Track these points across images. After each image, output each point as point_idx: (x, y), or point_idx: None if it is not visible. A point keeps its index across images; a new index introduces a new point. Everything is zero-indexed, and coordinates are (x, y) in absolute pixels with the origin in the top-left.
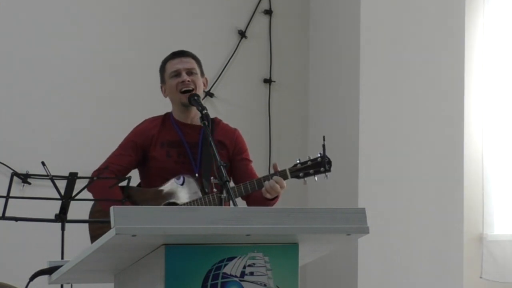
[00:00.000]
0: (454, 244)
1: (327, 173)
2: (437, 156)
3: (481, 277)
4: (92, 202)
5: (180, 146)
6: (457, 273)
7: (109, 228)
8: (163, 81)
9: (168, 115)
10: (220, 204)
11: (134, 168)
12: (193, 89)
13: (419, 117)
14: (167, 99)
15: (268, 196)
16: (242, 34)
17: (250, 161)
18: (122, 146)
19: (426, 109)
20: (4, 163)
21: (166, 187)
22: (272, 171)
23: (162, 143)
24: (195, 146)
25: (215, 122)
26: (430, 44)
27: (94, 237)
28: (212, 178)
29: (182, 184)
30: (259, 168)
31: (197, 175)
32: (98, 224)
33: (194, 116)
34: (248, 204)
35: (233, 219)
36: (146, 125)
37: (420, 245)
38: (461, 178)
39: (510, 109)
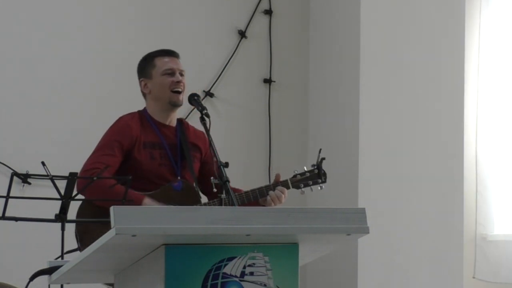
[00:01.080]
0: (453, 245)
1: (322, 184)
2: (437, 156)
3: (474, 277)
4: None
5: (161, 148)
6: (456, 273)
7: (96, 229)
8: (147, 76)
9: (143, 113)
10: (220, 204)
11: (117, 168)
12: (181, 91)
13: (419, 117)
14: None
15: (273, 205)
16: (242, 34)
17: None
18: (107, 146)
19: (426, 109)
20: (4, 163)
21: (164, 190)
22: (272, 181)
23: (144, 144)
24: (174, 148)
25: (184, 124)
26: (430, 44)
27: (81, 240)
28: (212, 178)
29: (180, 190)
30: (259, 168)
31: (179, 177)
32: (84, 226)
33: (173, 118)
34: None
35: (233, 219)
36: (127, 123)
37: (420, 245)
38: (461, 178)
39: (508, 109)
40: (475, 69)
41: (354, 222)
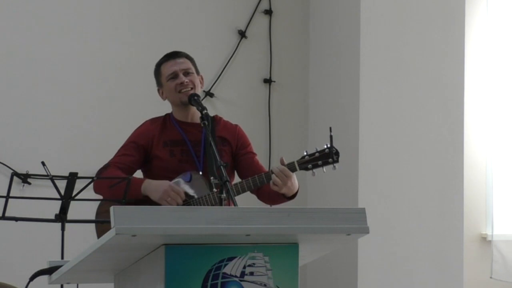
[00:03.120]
0: (454, 244)
1: (335, 164)
2: (437, 156)
3: (491, 277)
4: (98, 202)
5: (183, 144)
6: (457, 273)
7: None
8: (160, 84)
9: (168, 116)
10: (220, 204)
11: (138, 168)
12: (191, 89)
13: (419, 117)
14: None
15: (276, 188)
16: (242, 34)
17: (255, 154)
18: (124, 148)
19: (426, 109)
20: (4, 163)
21: (174, 183)
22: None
23: (164, 143)
24: (198, 144)
25: (216, 119)
26: (430, 44)
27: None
28: (212, 178)
29: (189, 181)
30: None
31: (201, 172)
32: (106, 225)
33: (194, 114)
34: (260, 197)
35: (233, 219)
36: (146, 127)
37: (420, 245)
38: (461, 178)
39: (511, 107)
40: (476, 69)
41: (354, 222)
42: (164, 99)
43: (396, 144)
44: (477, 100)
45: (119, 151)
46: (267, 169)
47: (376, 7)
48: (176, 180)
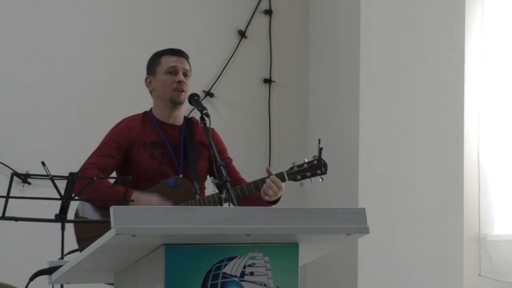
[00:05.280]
0: (454, 244)
1: (322, 176)
2: (437, 156)
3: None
4: (76, 203)
5: (163, 147)
6: (457, 273)
7: (95, 230)
8: (152, 73)
9: (147, 114)
10: (220, 204)
11: (115, 169)
12: (183, 91)
13: (419, 117)
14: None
15: (267, 198)
16: (242, 34)
17: (231, 159)
18: (105, 146)
19: (426, 109)
20: (4, 163)
21: (158, 189)
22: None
23: (144, 144)
24: (177, 147)
25: (193, 122)
26: (430, 44)
27: (80, 240)
28: (212, 178)
29: (174, 187)
30: (258, 168)
31: (181, 175)
32: (84, 228)
33: (178, 115)
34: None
35: (233, 219)
36: (127, 124)
37: (420, 245)
38: (461, 178)
39: (509, 108)
40: (476, 69)
41: (354, 222)
42: (150, 89)
43: (396, 144)
44: (477, 101)
45: (99, 149)
46: (242, 175)
47: (376, 7)
48: (161, 183)
